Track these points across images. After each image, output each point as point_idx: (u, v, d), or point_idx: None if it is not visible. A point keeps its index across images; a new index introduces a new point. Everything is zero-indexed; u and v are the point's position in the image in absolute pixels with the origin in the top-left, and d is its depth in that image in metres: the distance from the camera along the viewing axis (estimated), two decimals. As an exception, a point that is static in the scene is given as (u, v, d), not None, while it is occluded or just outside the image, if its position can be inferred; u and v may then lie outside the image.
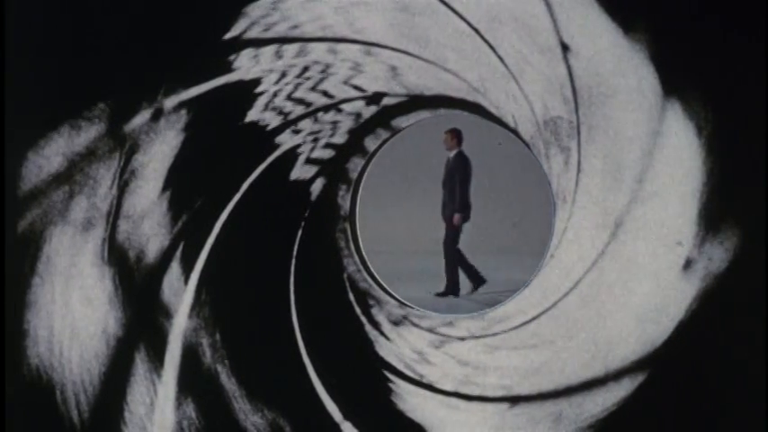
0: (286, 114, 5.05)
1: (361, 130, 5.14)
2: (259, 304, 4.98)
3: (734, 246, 4.31)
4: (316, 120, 5.09)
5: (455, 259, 5.56)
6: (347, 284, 5.15)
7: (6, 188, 4.66)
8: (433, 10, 4.70)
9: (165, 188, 4.89)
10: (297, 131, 5.08)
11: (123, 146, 4.79)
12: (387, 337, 5.01)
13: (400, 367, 4.90)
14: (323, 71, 4.99)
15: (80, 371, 4.74)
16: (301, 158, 5.13)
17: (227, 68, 4.87)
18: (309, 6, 4.79)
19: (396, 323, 5.06)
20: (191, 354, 4.89)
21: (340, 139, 5.16)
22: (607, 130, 4.52)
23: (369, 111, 5.07)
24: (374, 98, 5.02)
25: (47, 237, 4.71)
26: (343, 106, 5.08)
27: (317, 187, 5.16)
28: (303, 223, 5.11)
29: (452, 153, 5.43)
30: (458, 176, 5.42)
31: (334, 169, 5.15)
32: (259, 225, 5.01)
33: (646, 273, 4.47)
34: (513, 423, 4.68)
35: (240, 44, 4.85)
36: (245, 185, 4.99)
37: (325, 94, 5.06)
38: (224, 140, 4.95)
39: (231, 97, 4.92)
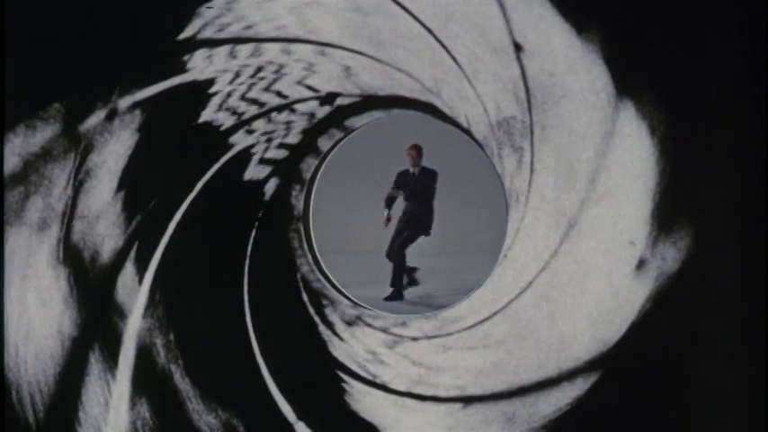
0: (240, 114, 5.01)
1: (315, 130, 5.09)
2: (213, 304, 4.94)
3: (687, 246, 4.32)
4: (269, 120, 5.06)
5: (403, 265, 5.54)
6: (301, 285, 5.09)
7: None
8: (387, 10, 4.68)
9: (119, 188, 4.87)
10: (250, 132, 5.04)
11: (78, 146, 4.79)
12: (340, 338, 4.96)
13: (354, 367, 4.87)
14: (277, 71, 4.96)
15: (35, 371, 4.74)
16: (255, 159, 5.08)
17: (182, 69, 4.86)
18: (263, 7, 4.77)
19: (349, 323, 5.00)
20: (145, 354, 4.87)
21: (294, 139, 5.11)
22: (560, 130, 4.50)
23: (322, 111, 5.03)
24: (328, 98, 4.98)
25: (3, 237, 4.71)
26: (297, 106, 5.04)
27: (270, 187, 5.10)
28: (257, 223, 5.06)
29: (417, 168, 5.38)
30: (429, 192, 5.39)
31: (287, 169, 5.10)
32: (213, 225, 4.97)
33: (599, 273, 4.46)
34: (466, 423, 4.66)
35: (194, 44, 4.83)
36: (198, 185, 4.94)
37: (279, 94, 5.03)
38: (178, 141, 4.92)
39: (185, 97, 4.90)
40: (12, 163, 4.75)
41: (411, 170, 5.42)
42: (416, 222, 5.48)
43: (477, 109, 4.71)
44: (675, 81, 4.33)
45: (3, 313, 4.79)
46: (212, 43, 4.86)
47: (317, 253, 5.11)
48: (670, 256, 4.34)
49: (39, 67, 4.80)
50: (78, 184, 4.83)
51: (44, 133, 4.75)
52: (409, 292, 5.57)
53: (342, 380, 4.86)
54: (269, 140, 5.07)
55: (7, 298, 4.78)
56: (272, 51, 4.89)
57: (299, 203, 5.10)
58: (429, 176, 5.38)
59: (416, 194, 5.44)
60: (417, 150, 5.37)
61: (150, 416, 4.85)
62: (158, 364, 4.87)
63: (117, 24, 4.82)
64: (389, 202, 5.51)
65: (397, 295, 5.52)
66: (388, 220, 5.49)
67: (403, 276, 5.52)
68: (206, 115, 4.94)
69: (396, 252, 5.49)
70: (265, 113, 5.04)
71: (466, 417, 4.66)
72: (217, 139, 4.97)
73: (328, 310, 5.02)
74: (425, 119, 4.88)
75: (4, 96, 4.78)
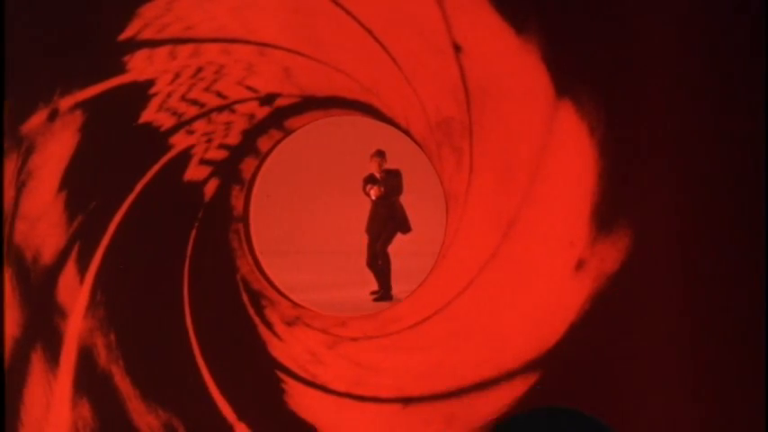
0: (180, 115, 4.77)
1: (255, 130, 4.81)
2: (153, 305, 4.74)
3: (626, 246, 4.21)
4: (210, 120, 4.79)
5: (389, 265, 5.33)
6: (240, 285, 4.80)
7: None
8: (326, 11, 4.53)
9: (60, 189, 4.71)
10: (191, 132, 4.78)
11: (20, 146, 4.68)
12: (280, 338, 4.72)
13: (293, 368, 4.66)
14: (217, 72, 4.74)
15: (-23, 371, 4.57)
16: (195, 159, 4.80)
17: (122, 69, 4.69)
18: (203, 7, 4.63)
19: (289, 324, 4.75)
20: (86, 354, 4.69)
21: (234, 139, 4.81)
22: (499, 130, 4.36)
23: (262, 111, 4.76)
24: (267, 99, 4.73)
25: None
26: (237, 107, 4.78)
27: (210, 188, 4.80)
28: (197, 224, 4.78)
29: (382, 172, 5.16)
30: (398, 191, 5.19)
31: (227, 170, 4.82)
32: (153, 226, 4.76)
33: (538, 273, 4.34)
34: (405, 424, 4.50)
35: (135, 45, 4.68)
36: (139, 186, 4.73)
37: (219, 94, 4.78)
38: (119, 141, 4.73)
39: (126, 98, 4.72)
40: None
41: (376, 174, 5.15)
42: (393, 222, 5.25)
43: (417, 109, 4.54)
44: (615, 81, 4.23)
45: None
46: (153, 44, 4.69)
47: (256, 253, 4.87)
48: (609, 256, 4.23)
49: (-21, 69, 4.66)
50: (21, 184, 4.71)
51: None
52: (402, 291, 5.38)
53: (281, 380, 4.66)
54: (209, 141, 4.81)
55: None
56: (211, 52, 4.71)
57: (239, 204, 4.84)
58: (395, 176, 5.16)
59: (386, 195, 5.19)
60: (381, 156, 5.12)
61: (91, 416, 4.69)
62: (99, 365, 4.70)
63: (58, 24, 4.69)
64: (370, 180, 5.25)
65: (386, 295, 5.33)
66: (380, 190, 5.22)
67: (390, 276, 5.29)
68: (146, 116, 4.74)
69: (380, 252, 5.26)
70: (205, 114, 4.80)
71: (405, 417, 4.51)
72: (157, 139, 4.75)
73: (268, 311, 4.76)
74: (365, 120, 4.68)
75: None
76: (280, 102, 4.71)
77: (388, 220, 5.30)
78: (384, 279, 5.30)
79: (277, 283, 4.84)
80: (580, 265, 4.24)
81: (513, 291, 4.35)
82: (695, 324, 4.18)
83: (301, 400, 4.62)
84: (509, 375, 4.32)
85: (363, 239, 5.33)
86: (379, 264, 5.32)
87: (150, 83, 4.70)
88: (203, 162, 4.79)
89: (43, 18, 4.67)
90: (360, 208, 5.27)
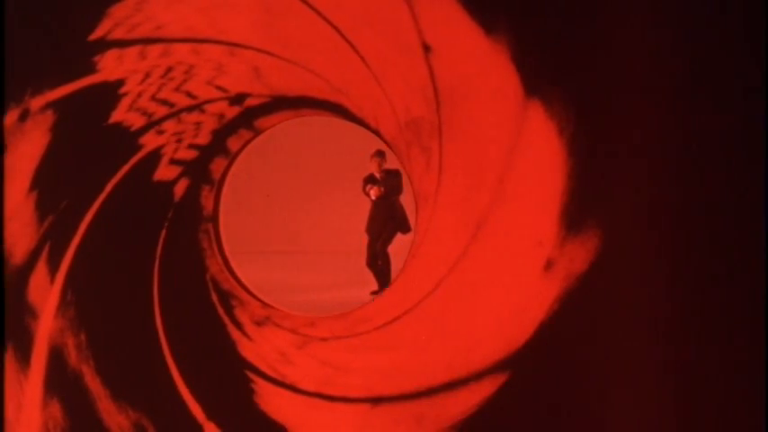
0: (150, 115, 4.75)
1: (225, 130, 4.79)
2: (123, 305, 4.71)
3: (595, 246, 4.21)
4: (179, 120, 4.77)
5: (389, 263, 5.34)
6: (210, 285, 4.78)
7: None
8: (296, 10, 4.51)
9: (31, 189, 4.69)
10: (161, 132, 4.76)
11: None
12: (249, 338, 4.71)
13: (263, 368, 4.65)
14: (186, 72, 4.72)
15: (-52, 372, 4.55)
16: (165, 159, 4.78)
17: (93, 69, 4.67)
18: (173, 7, 4.61)
19: (259, 323, 4.73)
20: (57, 354, 4.67)
21: (203, 139, 4.79)
22: (468, 130, 4.35)
23: (232, 111, 4.75)
24: (237, 99, 4.72)
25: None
26: (207, 107, 4.76)
27: (180, 188, 4.79)
28: (167, 224, 4.77)
29: (382, 173, 5.15)
30: (397, 191, 5.18)
31: (197, 170, 4.80)
32: (123, 226, 4.74)
33: (507, 273, 4.32)
34: (375, 423, 4.49)
35: (105, 45, 4.65)
36: (109, 186, 4.71)
37: (189, 94, 4.76)
38: (89, 141, 4.71)
39: (96, 98, 4.69)
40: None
41: (376, 175, 5.14)
42: (393, 222, 5.24)
43: (386, 109, 4.54)
44: (584, 81, 4.23)
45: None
46: (123, 44, 4.67)
47: (225, 253, 4.85)
48: (578, 256, 4.23)
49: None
50: (-8, 185, 4.69)
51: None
52: None
53: (251, 380, 4.65)
54: (179, 141, 4.79)
55: None
56: (181, 52, 4.69)
57: (208, 204, 4.83)
58: (394, 176, 5.15)
59: (386, 195, 5.19)
60: (381, 155, 5.11)
61: (61, 416, 4.67)
62: (70, 365, 4.67)
63: (28, 24, 4.67)
64: (370, 179, 5.24)
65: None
66: (380, 190, 5.21)
67: (390, 276, 5.28)
68: (116, 116, 4.71)
69: (380, 252, 5.24)
70: (175, 114, 4.77)
71: (375, 417, 4.50)
72: (127, 139, 4.73)
73: (238, 311, 4.75)
74: (335, 120, 4.68)
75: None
76: (249, 101, 4.69)
77: (388, 220, 5.30)
78: (384, 279, 5.31)
79: (246, 282, 4.82)
80: (549, 265, 4.24)
81: (482, 291, 4.34)
82: (664, 324, 4.18)
83: (271, 400, 4.61)
84: (478, 375, 4.32)
85: (363, 239, 5.31)
86: (378, 264, 5.33)
87: (120, 83, 4.68)
88: (173, 162, 4.77)
89: (13, 18, 4.64)
90: (360, 208, 5.22)
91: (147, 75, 4.70)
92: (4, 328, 4.66)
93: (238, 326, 4.71)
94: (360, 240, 5.33)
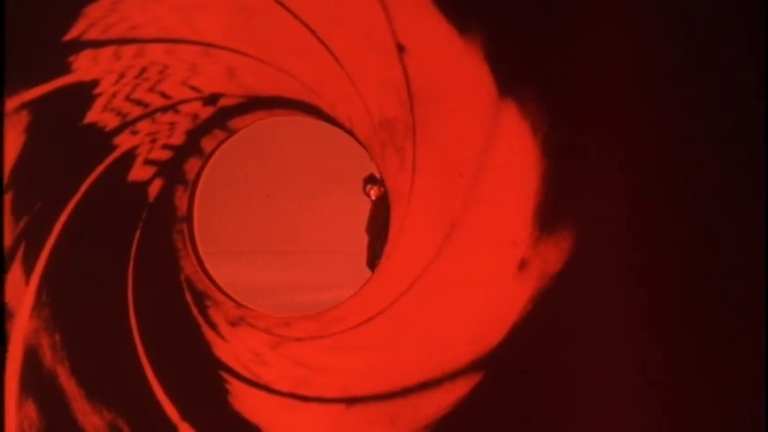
0: (124, 115, 4.73)
1: (199, 131, 4.77)
2: (98, 305, 4.71)
3: (568, 246, 4.22)
4: (154, 121, 4.75)
5: None
6: (185, 285, 4.76)
7: None
8: (270, 11, 4.51)
9: (6, 189, 4.68)
10: (135, 132, 4.74)
11: None
12: (224, 338, 4.69)
13: (237, 368, 4.64)
14: (161, 72, 4.71)
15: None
16: (139, 159, 4.76)
17: (67, 69, 4.67)
18: (147, 8, 4.61)
19: (233, 324, 4.71)
20: (32, 355, 4.68)
21: (178, 140, 4.77)
22: (442, 130, 4.36)
23: (206, 111, 4.73)
24: (211, 99, 4.70)
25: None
26: (181, 107, 4.74)
27: (155, 188, 4.76)
28: (141, 224, 4.75)
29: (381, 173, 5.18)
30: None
31: (171, 170, 4.77)
32: (98, 226, 4.73)
33: (481, 273, 4.34)
34: (349, 423, 4.50)
35: (80, 45, 4.65)
36: (84, 187, 4.70)
37: (163, 95, 4.75)
38: (64, 142, 4.72)
39: (71, 98, 4.69)
40: None
41: (376, 175, 5.13)
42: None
43: (360, 110, 4.52)
44: (558, 81, 4.24)
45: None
46: (98, 44, 4.66)
47: (200, 254, 4.82)
48: (552, 256, 4.24)
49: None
50: (-32, 185, 4.66)
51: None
52: None
53: (225, 380, 4.64)
54: (153, 141, 4.76)
55: None
56: (156, 52, 4.68)
57: (183, 204, 4.79)
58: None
59: (386, 195, 5.19)
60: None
61: (36, 416, 4.67)
62: (45, 365, 4.67)
63: (3, 25, 4.64)
64: (370, 179, 5.23)
65: None
66: (380, 190, 5.20)
67: None
68: (91, 116, 4.71)
69: (380, 252, 5.24)
70: (150, 114, 4.76)
71: (349, 417, 4.50)
72: (101, 139, 4.71)
73: (212, 311, 4.72)
74: (309, 120, 4.66)
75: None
76: (223, 102, 4.68)
77: (388, 219, 5.31)
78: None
79: (221, 283, 4.81)
80: (523, 265, 4.25)
81: (456, 291, 4.35)
82: (637, 324, 4.20)
83: (245, 400, 4.61)
84: (452, 375, 4.33)
85: (363, 239, 5.34)
86: (379, 263, 5.34)
87: (95, 83, 4.67)
88: (147, 162, 4.75)
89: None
90: (360, 207, 5.27)
91: (122, 75, 4.69)
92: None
93: (213, 326, 4.69)
94: (344, 240, 5.36)
